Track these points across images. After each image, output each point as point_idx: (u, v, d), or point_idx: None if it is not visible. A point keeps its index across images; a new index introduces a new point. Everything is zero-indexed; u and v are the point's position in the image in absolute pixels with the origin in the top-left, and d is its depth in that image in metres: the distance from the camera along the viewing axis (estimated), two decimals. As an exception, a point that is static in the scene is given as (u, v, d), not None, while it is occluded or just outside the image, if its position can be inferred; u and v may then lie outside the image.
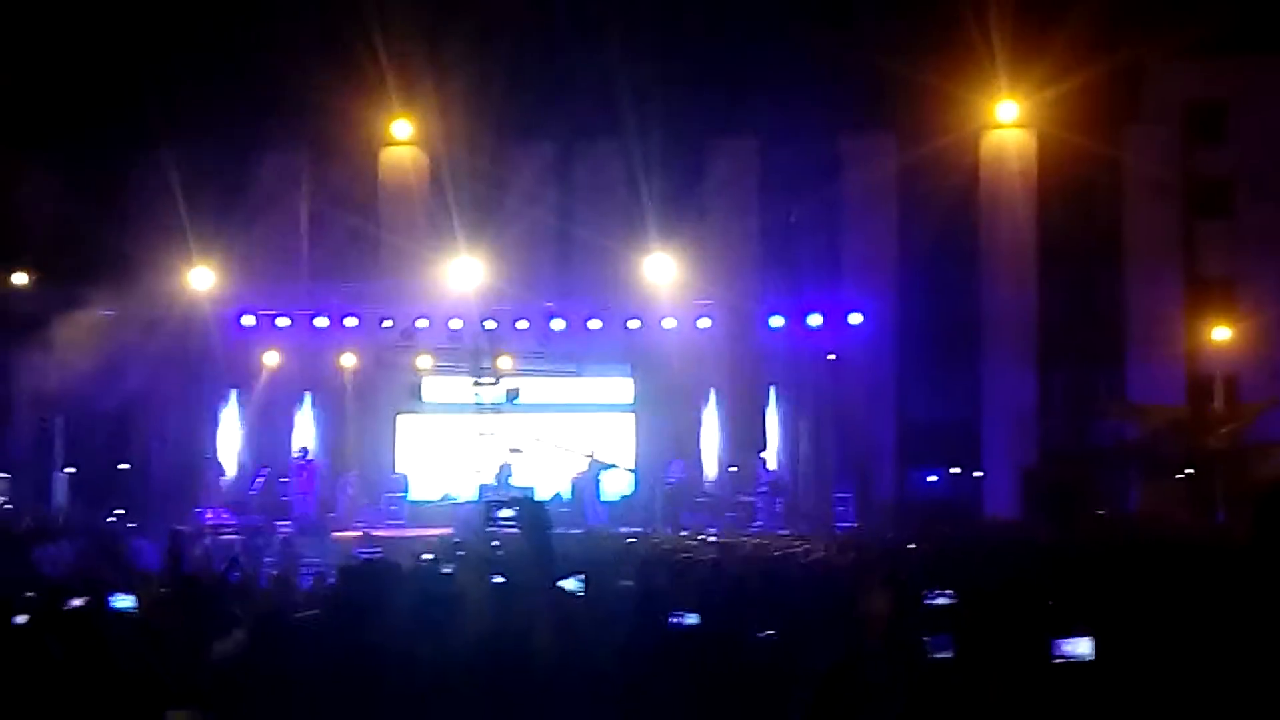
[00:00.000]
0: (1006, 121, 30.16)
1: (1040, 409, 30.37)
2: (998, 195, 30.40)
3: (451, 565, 10.10)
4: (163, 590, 9.05)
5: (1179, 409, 29.64)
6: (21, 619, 6.97)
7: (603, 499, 28.79)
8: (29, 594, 8.33)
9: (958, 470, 31.34)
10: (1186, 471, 28.38)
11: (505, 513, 8.74)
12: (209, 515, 26.46)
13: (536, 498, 10.34)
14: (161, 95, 28.99)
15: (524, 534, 7.94)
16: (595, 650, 6.09)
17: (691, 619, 6.27)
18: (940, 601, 8.06)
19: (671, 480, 29.15)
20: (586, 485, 28.70)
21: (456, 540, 18.27)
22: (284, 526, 26.63)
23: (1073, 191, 30.56)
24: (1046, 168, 30.16)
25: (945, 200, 30.26)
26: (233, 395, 31.00)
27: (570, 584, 8.39)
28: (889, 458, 30.38)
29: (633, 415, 31.48)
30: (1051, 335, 30.51)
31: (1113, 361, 30.60)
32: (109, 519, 26.33)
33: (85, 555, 13.53)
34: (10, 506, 29.15)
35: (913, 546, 17.05)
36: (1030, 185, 30.27)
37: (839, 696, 5.97)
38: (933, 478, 31.62)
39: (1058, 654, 6.19)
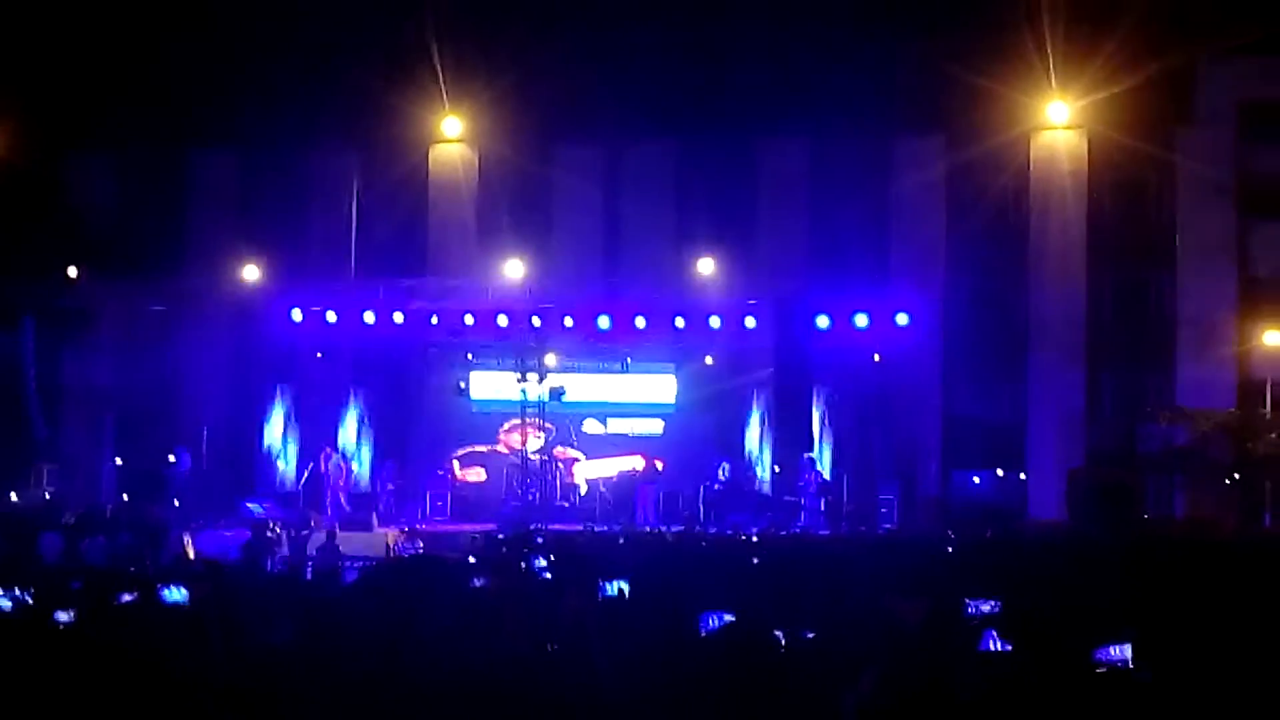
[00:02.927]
0: (1057, 123, 29.95)
1: (1088, 411, 30.14)
2: (1048, 196, 30.19)
3: (484, 578, 10.10)
4: (207, 582, 9.11)
5: (1228, 413, 29.29)
6: (66, 615, 6.90)
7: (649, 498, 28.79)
8: (75, 585, 8.40)
9: (1003, 472, 31.12)
10: (1234, 476, 28.09)
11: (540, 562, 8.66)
12: (254, 508, 26.56)
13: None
14: (214, 93, 29.21)
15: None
16: (632, 652, 6.11)
17: (728, 617, 6.27)
18: (985, 609, 8.00)
19: (717, 480, 29.13)
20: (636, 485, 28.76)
21: (500, 537, 18.39)
22: (327, 520, 26.74)
23: (1124, 193, 30.33)
24: (1097, 169, 29.94)
25: (995, 201, 30.12)
26: (280, 390, 31.16)
27: (615, 587, 8.42)
28: (934, 458, 30.22)
29: (676, 414, 31.46)
30: (1101, 337, 30.27)
31: (1163, 364, 30.29)
32: (157, 511, 26.47)
33: (132, 547, 13.63)
34: (55, 496, 29.43)
35: (951, 549, 17.03)
36: (1081, 186, 30.04)
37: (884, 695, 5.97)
38: (977, 479, 31.38)
39: (1100, 659, 6.17)
